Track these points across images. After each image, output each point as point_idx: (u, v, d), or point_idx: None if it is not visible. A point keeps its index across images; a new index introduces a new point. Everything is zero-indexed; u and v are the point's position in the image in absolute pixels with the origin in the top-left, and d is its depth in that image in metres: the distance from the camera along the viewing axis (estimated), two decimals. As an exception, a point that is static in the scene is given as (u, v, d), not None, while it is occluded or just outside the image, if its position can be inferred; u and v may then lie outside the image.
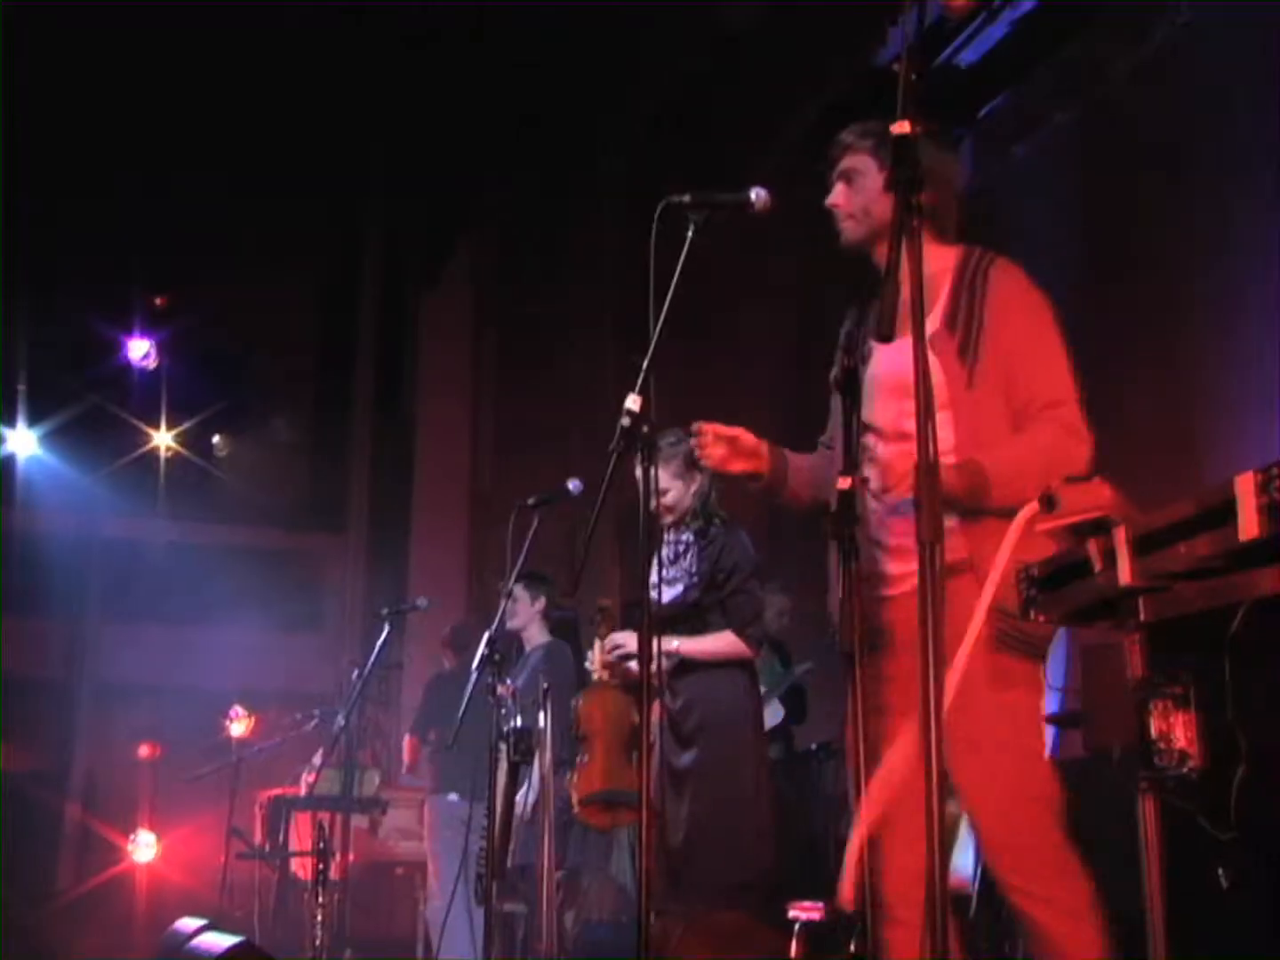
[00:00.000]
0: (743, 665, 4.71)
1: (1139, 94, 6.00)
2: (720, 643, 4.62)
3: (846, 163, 3.09)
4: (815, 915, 4.96)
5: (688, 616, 4.61)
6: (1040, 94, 6.68)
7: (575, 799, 4.99)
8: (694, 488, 4.67)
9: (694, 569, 4.62)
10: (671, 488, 4.64)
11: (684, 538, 4.68)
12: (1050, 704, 5.44)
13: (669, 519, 4.68)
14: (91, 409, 10.31)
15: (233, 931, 4.50)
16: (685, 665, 4.58)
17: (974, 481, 2.74)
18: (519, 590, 5.93)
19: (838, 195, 3.10)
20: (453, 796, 6.61)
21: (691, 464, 4.53)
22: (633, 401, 2.91)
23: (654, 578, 4.63)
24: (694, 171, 3.26)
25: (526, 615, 5.99)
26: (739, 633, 4.62)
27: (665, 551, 4.68)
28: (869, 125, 3.09)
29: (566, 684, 5.46)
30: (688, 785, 4.51)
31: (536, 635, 6.02)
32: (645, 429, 2.92)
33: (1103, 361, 6.01)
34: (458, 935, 5.81)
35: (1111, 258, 6.05)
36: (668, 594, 4.60)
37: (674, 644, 4.53)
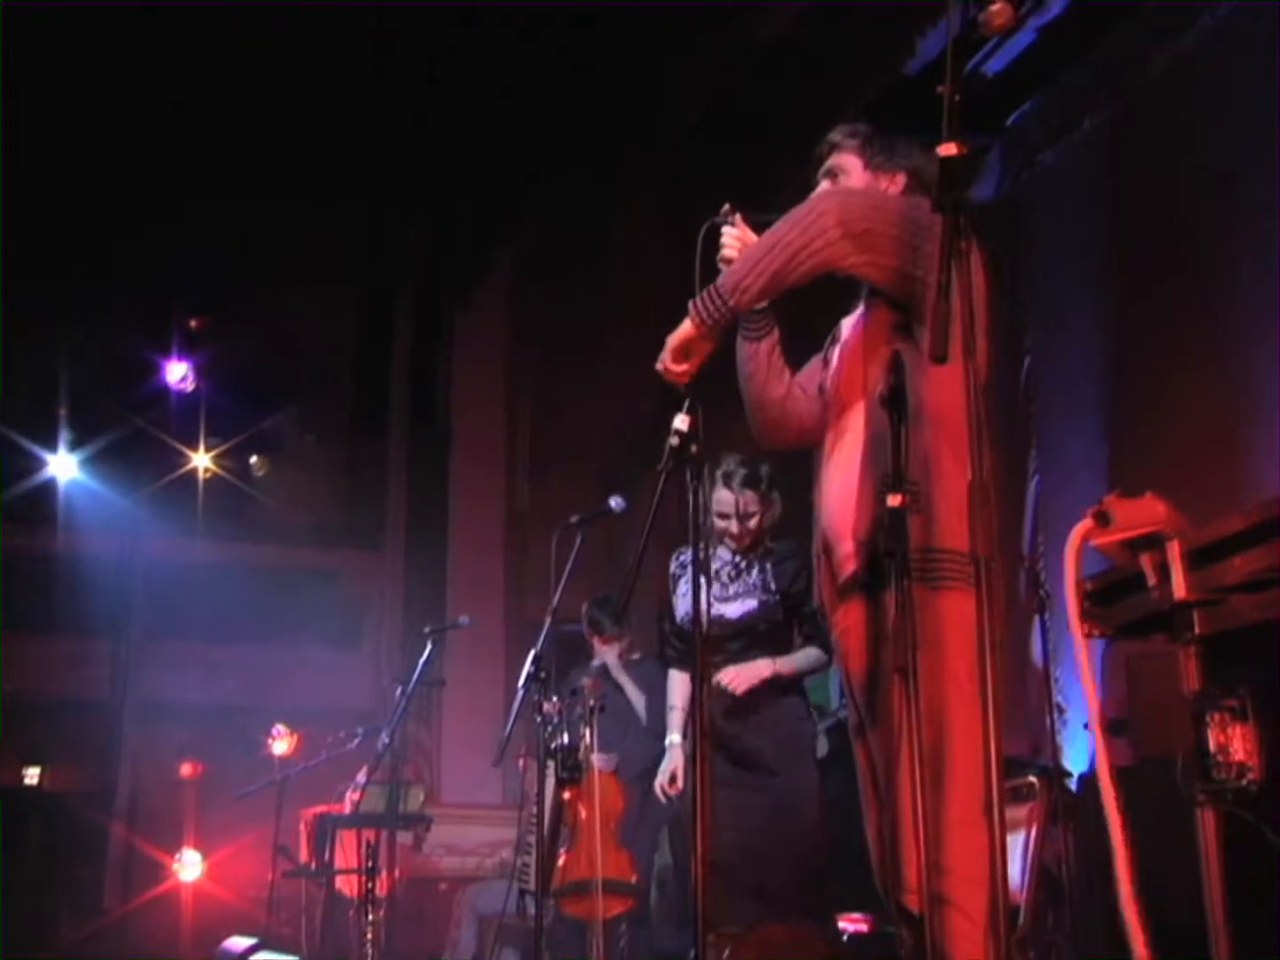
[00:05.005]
0: (801, 689, 4.73)
1: (1169, 96, 5.97)
2: (809, 659, 4.64)
3: (832, 161, 3.15)
4: (862, 927, 4.98)
5: (769, 632, 4.61)
6: (1068, 100, 6.67)
7: (553, 889, 4.97)
8: (773, 510, 4.67)
9: (772, 585, 4.62)
10: (758, 511, 4.64)
11: (736, 558, 4.69)
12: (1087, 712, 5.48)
13: (745, 542, 4.68)
14: (131, 432, 10.40)
15: (283, 950, 4.54)
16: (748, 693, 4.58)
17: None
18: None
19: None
20: None
21: (772, 485, 4.57)
22: (681, 421, 2.91)
23: (705, 596, 4.68)
24: (732, 186, 3.27)
25: None
26: (825, 647, 4.61)
27: (720, 569, 4.69)
28: (856, 125, 3.17)
29: None
30: (752, 814, 4.49)
31: None
32: (694, 449, 2.91)
33: (1138, 371, 6.02)
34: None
35: (1144, 264, 6.02)
36: (733, 609, 4.61)
37: (772, 667, 4.54)
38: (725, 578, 4.65)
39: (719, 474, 4.57)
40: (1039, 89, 6.80)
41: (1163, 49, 6.02)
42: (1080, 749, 5.68)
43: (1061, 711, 5.59)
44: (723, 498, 4.59)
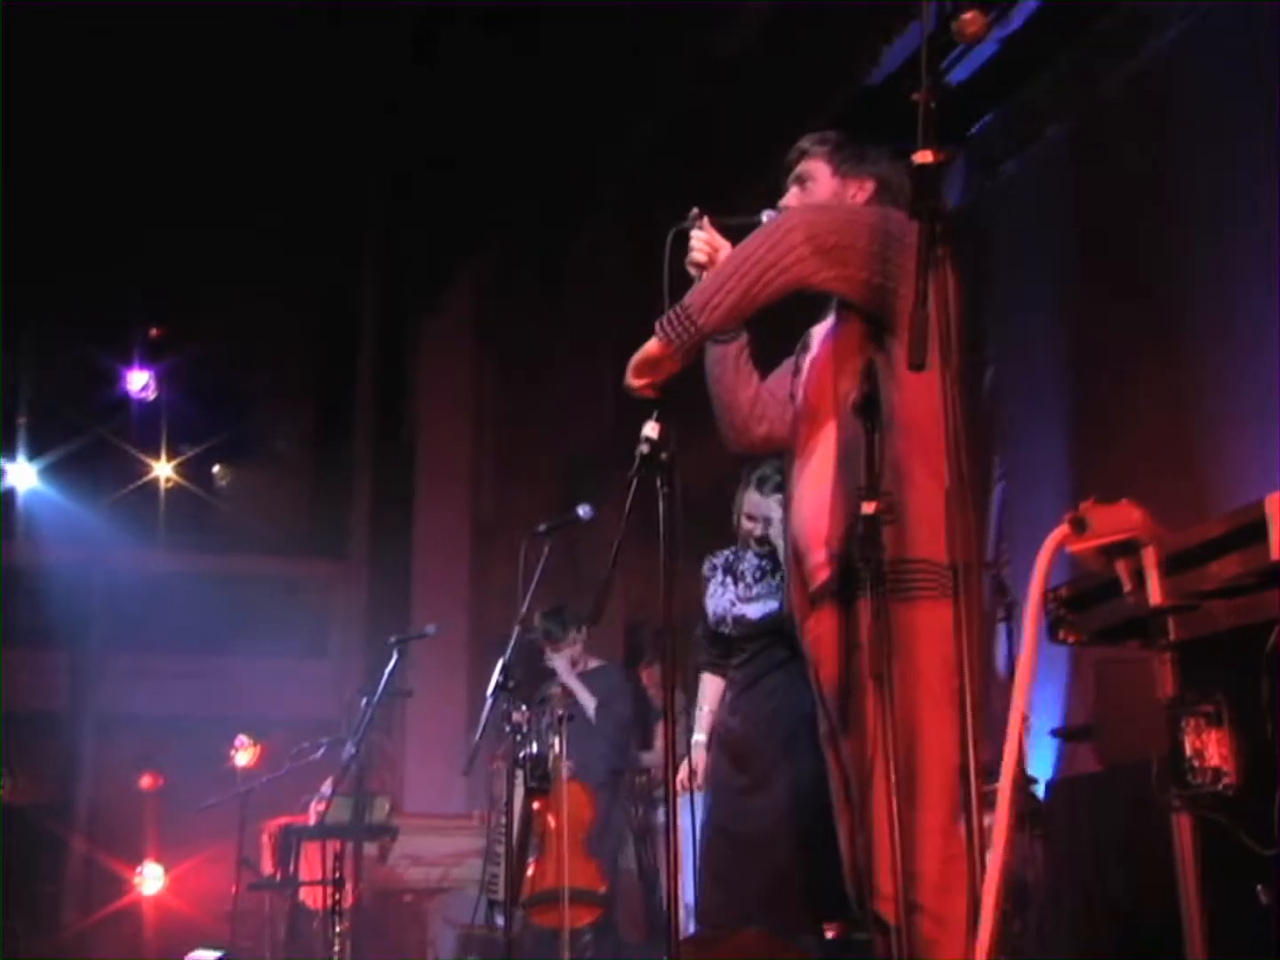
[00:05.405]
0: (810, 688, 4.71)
1: (1131, 108, 6.02)
2: None
3: (801, 167, 3.16)
4: (828, 934, 4.97)
5: (791, 633, 4.57)
6: (1030, 110, 6.71)
7: (522, 899, 4.99)
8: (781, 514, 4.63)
9: None
10: (771, 513, 4.61)
11: (762, 560, 4.64)
12: (1052, 719, 5.50)
13: (770, 546, 4.64)
14: (92, 441, 10.33)
15: (251, 962, 4.51)
16: (758, 676, 4.56)
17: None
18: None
19: (790, 198, 3.17)
20: None
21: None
22: (651, 428, 2.90)
23: (731, 595, 4.65)
24: (694, 194, 3.28)
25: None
26: None
27: (745, 570, 4.67)
28: (826, 133, 3.18)
29: None
30: (750, 815, 4.47)
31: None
32: (664, 455, 2.90)
33: (1102, 378, 6.07)
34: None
35: (1107, 272, 6.07)
36: (755, 610, 4.57)
37: None
38: (750, 579, 4.61)
39: (754, 478, 4.54)
40: (1001, 99, 6.84)
41: (1124, 60, 6.07)
42: (1045, 756, 5.71)
43: (1025, 719, 5.59)
44: (753, 500, 4.57)
